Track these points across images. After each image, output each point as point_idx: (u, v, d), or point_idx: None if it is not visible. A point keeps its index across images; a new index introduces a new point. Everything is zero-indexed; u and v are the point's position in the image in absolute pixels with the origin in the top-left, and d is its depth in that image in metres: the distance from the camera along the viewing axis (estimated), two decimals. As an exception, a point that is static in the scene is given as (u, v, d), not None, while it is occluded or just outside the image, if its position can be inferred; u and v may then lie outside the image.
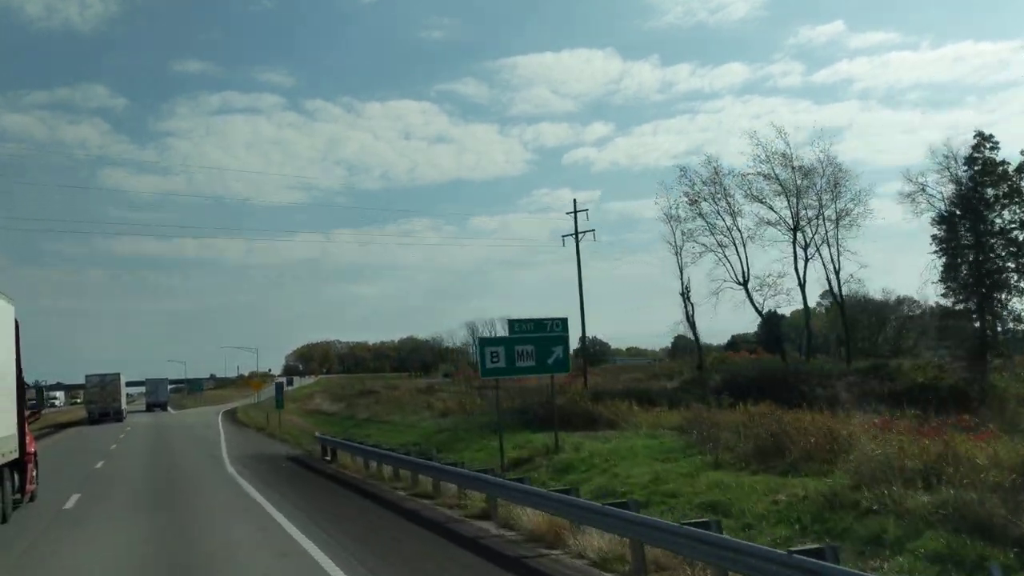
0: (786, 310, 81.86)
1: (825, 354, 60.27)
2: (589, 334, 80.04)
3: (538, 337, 24.09)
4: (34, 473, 19.04)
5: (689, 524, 8.23)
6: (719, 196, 47.40)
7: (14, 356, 17.45)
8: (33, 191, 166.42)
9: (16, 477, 17.17)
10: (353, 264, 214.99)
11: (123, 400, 72.92)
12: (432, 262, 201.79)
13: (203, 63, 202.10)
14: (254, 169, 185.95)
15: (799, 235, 45.44)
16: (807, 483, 16.35)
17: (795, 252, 46.02)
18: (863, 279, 46.79)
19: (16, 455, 16.97)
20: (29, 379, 20.40)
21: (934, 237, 38.11)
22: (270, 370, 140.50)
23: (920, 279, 42.40)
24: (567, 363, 25.05)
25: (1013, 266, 37.74)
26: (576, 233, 53.48)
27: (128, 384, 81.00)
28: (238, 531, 14.25)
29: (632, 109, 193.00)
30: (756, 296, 47.56)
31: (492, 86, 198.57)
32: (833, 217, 45.39)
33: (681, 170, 49.51)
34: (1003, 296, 37.74)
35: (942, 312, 39.01)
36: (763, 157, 46.31)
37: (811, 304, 58.14)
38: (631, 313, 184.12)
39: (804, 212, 45.53)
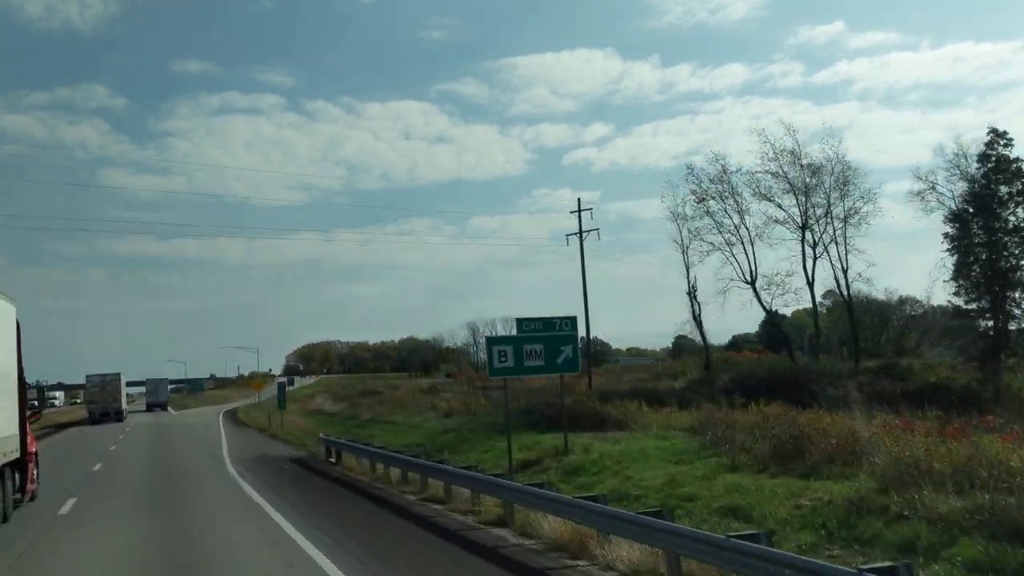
0: (787, 310, 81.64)
1: (827, 354, 59.70)
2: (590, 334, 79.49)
3: (547, 336, 23.55)
4: (35, 473, 19.08)
5: (736, 537, 7.51)
6: (726, 194, 46.91)
7: (15, 356, 17.51)
8: (33, 191, 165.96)
9: (17, 477, 17.22)
10: (353, 264, 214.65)
11: (123, 400, 72.80)
12: (432, 262, 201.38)
13: (203, 63, 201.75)
14: (254, 169, 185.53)
15: (808, 233, 44.97)
16: (830, 486, 15.84)
17: (803, 250, 45.61)
18: (871, 278, 46.24)
19: (17, 455, 17.01)
20: (30, 379, 20.38)
21: (946, 235, 37.62)
22: (270, 370, 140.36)
23: (929, 278, 42.01)
24: (577, 363, 24.51)
25: (1027, 264, 37.15)
26: (580, 232, 52.97)
27: (128, 384, 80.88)
28: (240, 534, 13.75)
29: (632, 109, 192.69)
30: (763, 295, 47.09)
31: (492, 86, 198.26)
32: (841, 215, 44.89)
33: (688, 168, 49.06)
34: (1016, 295, 37.11)
35: (954, 311, 38.45)
36: (771, 155, 45.80)
37: (809, 305, 57.70)
38: (631, 313, 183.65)
39: (812, 210, 45.03)
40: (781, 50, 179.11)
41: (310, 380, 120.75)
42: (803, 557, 7.78)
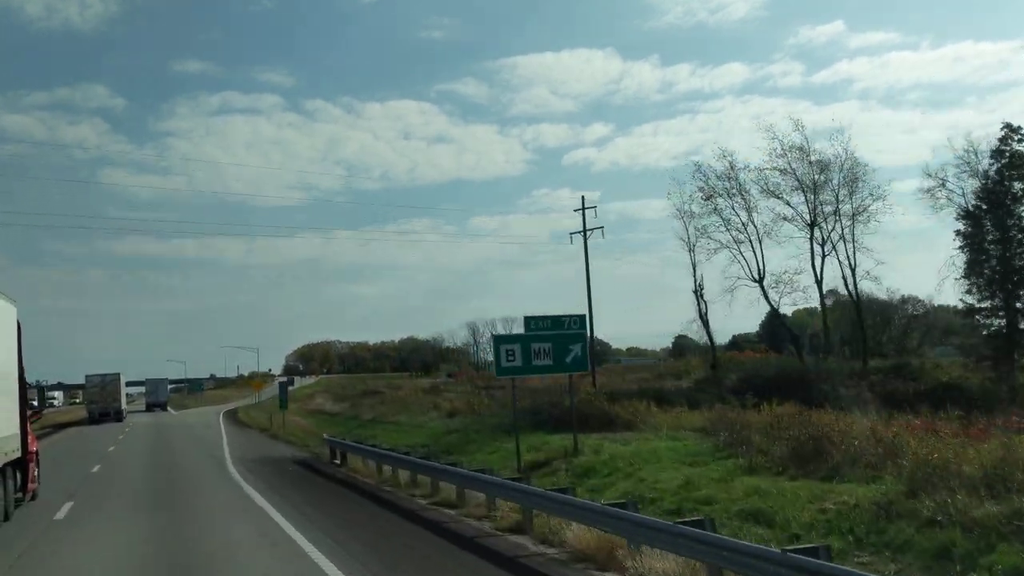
0: (789, 309, 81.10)
1: (829, 353, 59.21)
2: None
3: (555, 335, 23.10)
4: (36, 472, 19.17)
5: (795, 551, 6.81)
6: (734, 191, 46.30)
7: (16, 356, 17.59)
8: (33, 191, 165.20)
9: (18, 476, 17.34)
10: (353, 264, 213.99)
11: (123, 400, 72.62)
12: (432, 262, 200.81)
13: (203, 63, 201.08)
14: (254, 169, 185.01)
15: (816, 231, 44.36)
16: (854, 490, 15.32)
17: (812, 248, 44.95)
18: (879, 276, 45.56)
19: (19, 454, 17.09)
20: (30, 379, 20.37)
21: (958, 232, 37.05)
22: (270, 370, 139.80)
23: (938, 276, 41.33)
24: (586, 362, 24.05)
25: (1042, 262, 36.53)
26: (584, 230, 52.45)
27: (128, 384, 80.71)
28: (242, 537, 13.23)
29: (632, 109, 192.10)
30: (771, 294, 46.51)
31: (492, 86, 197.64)
32: (850, 213, 44.28)
33: (695, 164, 48.35)
34: (1031, 292, 36.52)
35: (966, 309, 37.87)
36: (779, 151, 45.19)
37: (815, 304, 57.18)
38: (631, 313, 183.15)
39: (821, 208, 44.43)
40: (781, 50, 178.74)
41: (310, 380, 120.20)
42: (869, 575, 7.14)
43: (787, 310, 71.93)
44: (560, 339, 23.06)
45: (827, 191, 44.21)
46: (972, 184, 39.40)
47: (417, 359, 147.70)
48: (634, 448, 23.94)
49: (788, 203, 45.44)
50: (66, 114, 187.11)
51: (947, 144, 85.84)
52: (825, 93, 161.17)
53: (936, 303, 65.19)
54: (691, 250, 48.31)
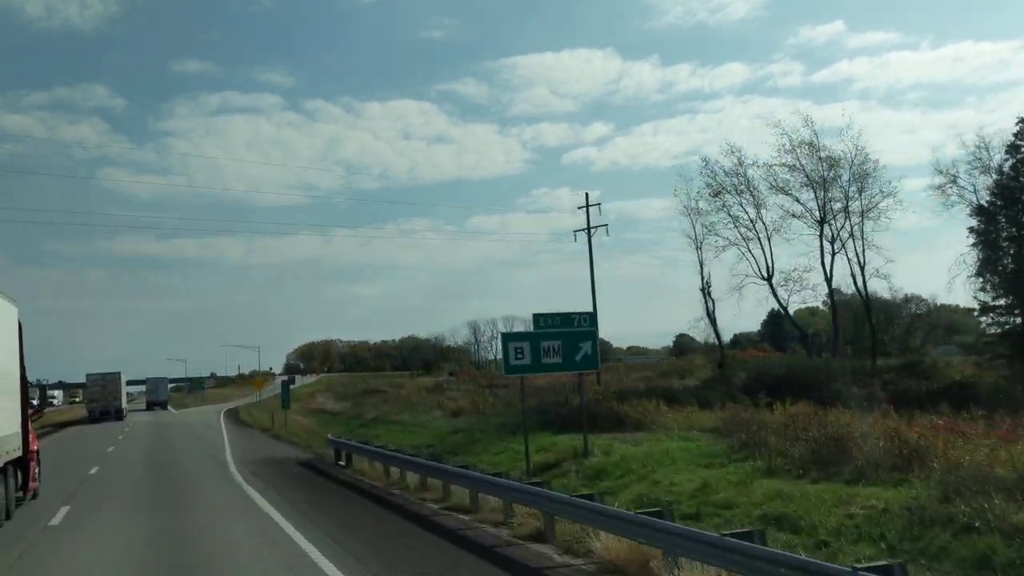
0: (792, 308, 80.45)
1: (836, 352, 58.70)
2: (594, 332, 78.24)
3: (565, 332, 22.55)
4: (37, 471, 19.23)
5: (866, 570, 6.16)
6: (742, 187, 45.75)
7: (17, 356, 17.69)
8: (33, 191, 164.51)
9: (19, 475, 17.39)
10: (353, 264, 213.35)
11: (123, 399, 72.68)
12: (432, 262, 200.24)
13: (203, 63, 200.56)
14: (254, 169, 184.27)
15: (826, 228, 43.75)
16: (881, 493, 14.78)
17: (822, 245, 44.36)
18: (889, 274, 44.93)
19: (20, 453, 17.12)
20: (31, 378, 20.48)
21: (971, 229, 36.43)
22: (271, 369, 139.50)
23: (948, 274, 40.77)
24: (596, 360, 23.45)
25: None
26: (588, 228, 51.94)
27: (128, 383, 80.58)
28: (247, 545, 12.64)
29: (632, 109, 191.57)
30: (780, 291, 45.97)
31: (492, 86, 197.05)
32: (859, 210, 43.66)
33: (703, 160, 47.80)
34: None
35: (981, 308, 37.27)
36: (788, 146, 44.59)
37: (817, 303, 56.61)
38: (631, 313, 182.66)
39: (830, 204, 43.84)
40: (781, 50, 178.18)
41: (311, 379, 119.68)
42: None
43: (791, 309, 71.42)
44: (570, 337, 22.52)
45: (836, 188, 43.71)
46: (984, 181, 38.95)
47: (418, 358, 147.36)
48: (646, 449, 23.39)
49: (797, 199, 44.95)
50: (66, 114, 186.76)
51: (946, 144, 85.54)
52: (825, 93, 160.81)
53: (939, 302, 64.80)
54: (698, 248, 47.84)
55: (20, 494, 17.65)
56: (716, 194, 46.10)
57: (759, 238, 45.98)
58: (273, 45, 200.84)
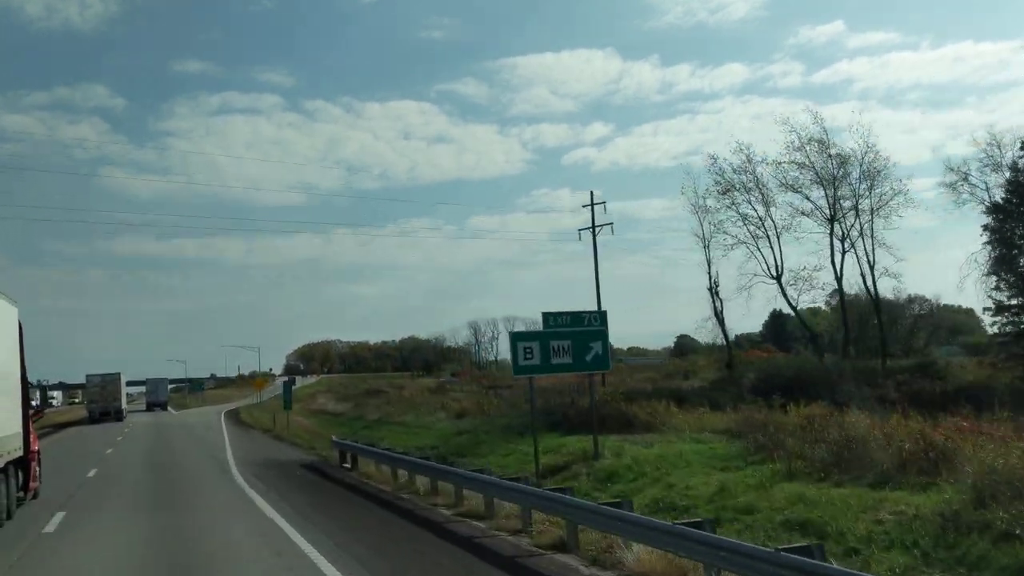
0: (796, 308, 79.84)
1: (833, 353, 58.23)
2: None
3: (575, 332, 22.03)
4: (37, 471, 19.28)
5: None
6: (751, 185, 45.23)
7: (18, 357, 17.76)
8: (33, 191, 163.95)
9: (20, 475, 17.43)
10: (353, 264, 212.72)
11: (123, 400, 72.27)
12: (432, 262, 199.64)
13: (203, 63, 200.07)
14: (254, 169, 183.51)
15: (836, 226, 43.19)
16: (909, 498, 14.24)
17: (832, 244, 43.90)
18: (900, 273, 44.29)
19: (20, 453, 17.18)
20: (31, 379, 20.32)
21: (985, 227, 35.91)
22: (271, 369, 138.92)
23: (959, 273, 40.21)
24: (608, 360, 22.93)
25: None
26: (593, 226, 51.43)
27: (128, 384, 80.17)
28: (246, 548, 12.13)
29: (632, 109, 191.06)
30: (789, 291, 45.47)
31: (492, 86, 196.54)
32: (867, 208, 43.12)
33: (711, 158, 47.26)
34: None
35: (996, 307, 36.66)
36: (797, 143, 44.04)
37: (820, 304, 56.14)
38: (631, 313, 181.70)
39: (840, 202, 43.28)
40: (781, 50, 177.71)
41: (311, 379, 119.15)
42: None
43: (798, 309, 70.85)
44: (580, 336, 22.00)
45: (846, 185, 43.16)
46: (995, 178, 38.48)
47: (418, 358, 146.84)
48: (658, 451, 22.86)
49: (807, 197, 44.42)
50: (66, 114, 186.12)
51: (946, 144, 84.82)
52: (825, 93, 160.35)
53: (943, 302, 64.34)
54: (706, 246, 47.35)
55: (21, 494, 17.67)
56: (725, 191, 45.62)
57: (768, 236, 45.55)
58: (273, 45, 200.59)
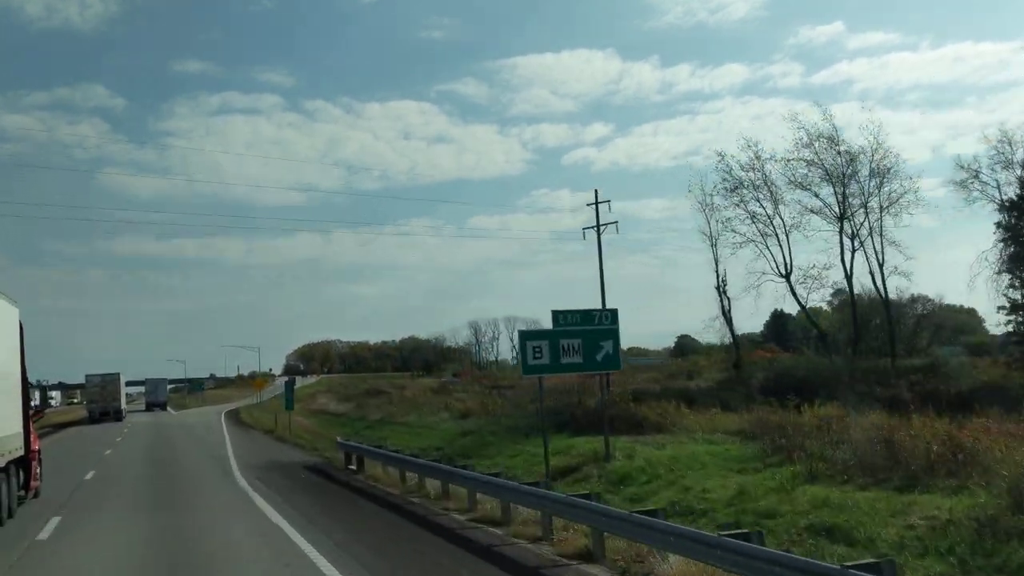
0: (792, 309, 79.45)
1: (835, 353, 57.69)
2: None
3: (586, 330, 21.52)
4: (38, 470, 19.37)
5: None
6: (759, 183, 44.67)
7: (18, 357, 17.86)
8: (33, 191, 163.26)
9: (21, 474, 17.53)
10: (353, 264, 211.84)
11: (123, 400, 71.88)
12: (432, 262, 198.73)
13: (203, 63, 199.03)
14: (254, 169, 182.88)
15: (846, 224, 42.63)
16: (940, 502, 13.76)
17: (842, 242, 43.27)
18: (910, 271, 43.60)
19: (21, 452, 17.30)
20: (31, 379, 20.25)
21: (999, 224, 35.37)
22: (271, 370, 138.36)
23: (970, 272, 39.65)
24: (619, 360, 22.42)
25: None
26: (598, 225, 50.88)
27: (128, 384, 79.80)
28: (251, 555, 11.59)
29: (632, 109, 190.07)
30: (799, 289, 44.96)
31: (492, 86, 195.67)
32: (877, 207, 42.55)
33: (719, 155, 46.71)
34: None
35: (1011, 306, 36.09)
36: (805, 140, 43.47)
37: (822, 304, 55.65)
38: (631, 313, 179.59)
39: (850, 200, 42.70)
40: (781, 50, 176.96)
41: (311, 379, 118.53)
42: None
43: (793, 309, 70.42)
44: (591, 335, 21.50)
45: (855, 183, 42.58)
46: (1006, 176, 37.98)
47: (419, 359, 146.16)
48: (671, 452, 22.39)
49: (817, 195, 43.85)
50: (66, 114, 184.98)
51: (946, 144, 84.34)
52: (825, 94, 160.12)
53: (946, 302, 63.83)
54: (713, 245, 46.83)
55: (22, 493, 17.78)
56: (734, 189, 45.07)
57: (777, 235, 45.01)
58: (273, 45, 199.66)
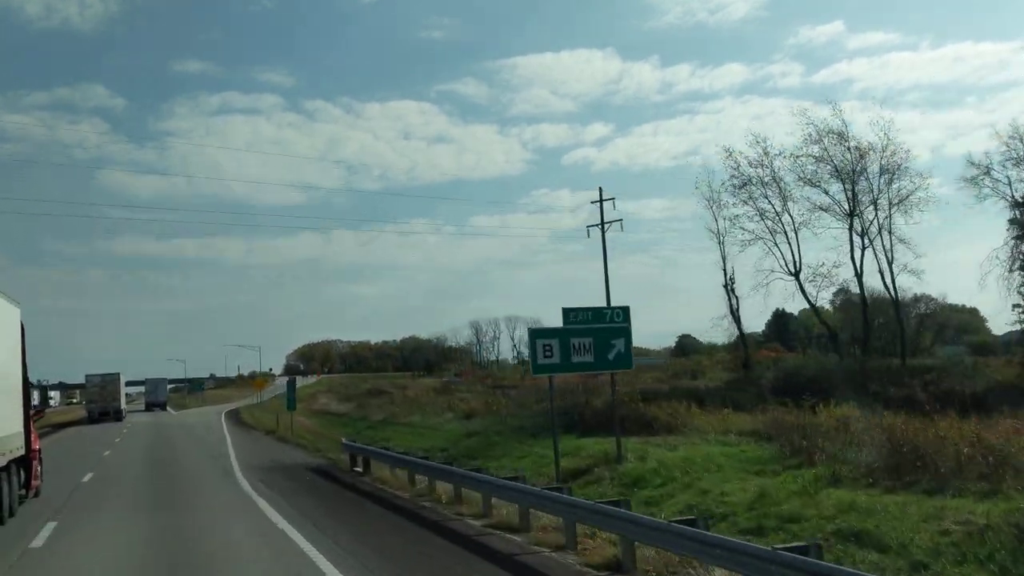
0: (794, 308, 79.08)
1: (841, 353, 57.20)
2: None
3: (597, 328, 21.02)
4: (39, 469, 19.45)
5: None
6: (768, 179, 44.12)
7: (19, 357, 17.92)
8: (33, 191, 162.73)
9: (22, 473, 17.61)
10: (353, 264, 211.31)
11: (123, 400, 71.54)
12: (432, 262, 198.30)
13: (203, 63, 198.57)
14: (254, 169, 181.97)
15: (856, 221, 42.06)
16: (974, 506, 13.22)
17: (851, 239, 42.72)
18: (922, 269, 43.02)
19: (22, 452, 17.39)
20: (31, 379, 20.31)
21: (1012, 221, 34.83)
22: (271, 369, 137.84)
23: (980, 270, 39.12)
24: (630, 359, 21.86)
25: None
26: (603, 223, 50.45)
27: (128, 384, 79.42)
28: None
29: (632, 109, 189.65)
30: (808, 287, 44.46)
31: (492, 86, 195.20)
32: (886, 204, 41.99)
33: (727, 151, 46.17)
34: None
35: (1027, 304, 35.66)
36: (815, 136, 42.91)
37: (824, 304, 55.07)
38: (631, 313, 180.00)
39: (859, 197, 42.14)
40: (781, 50, 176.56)
41: (311, 379, 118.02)
42: None
43: (795, 308, 69.99)
44: (602, 333, 21.02)
45: (864, 180, 42.03)
46: (1017, 173, 37.47)
47: (419, 358, 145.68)
48: (684, 454, 21.84)
49: (826, 191, 43.28)
50: (66, 114, 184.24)
51: (946, 144, 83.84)
52: (825, 93, 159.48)
53: (948, 300, 63.36)
54: (720, 242, 46.32)
55: (23, 492, 17.84)
56: (742, 185, 44.53)
57: (786, 232, 44.48)
58: (273, 45, 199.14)
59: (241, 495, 19.09)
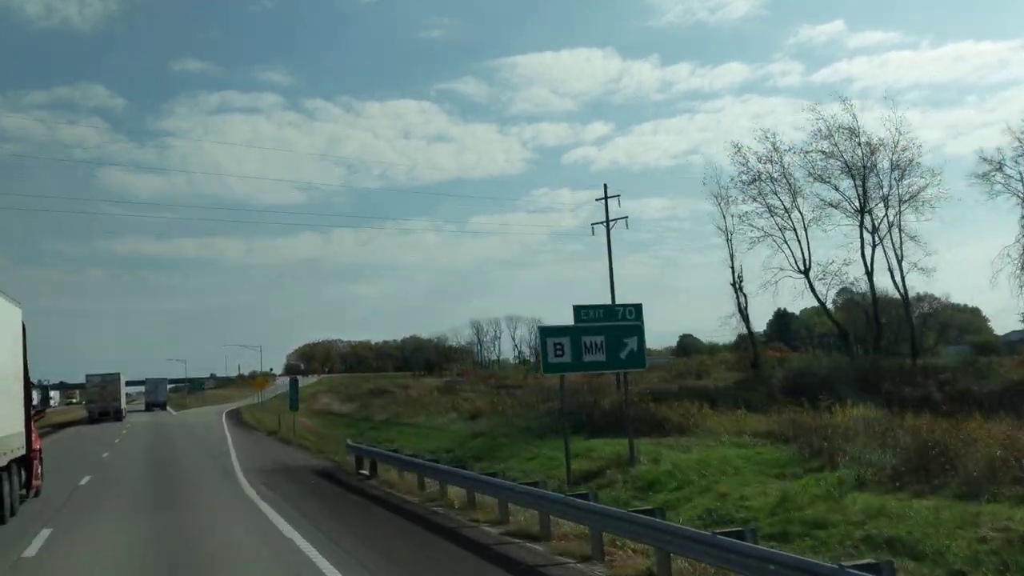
0: (796, 308, 78.67)
1: (846, 352, 56.69)
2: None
3: (609, 327, 20.53)
4: (39, 469, 19.51)
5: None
6: (777, 175, 43.50)
7: (20, 357, 17.96)
8: (33, 191, 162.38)
9: (23, 473, 17.65)
10: (353, 264, 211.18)
11: (123, 400, 71.24)
12: (432, 262, 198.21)
13: (202, 63, 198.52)
14: (254, 168, 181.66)
15: (866, 218, 41.46)
16: (1011, 512, 12.66)
17: (862, 236, 42.14)
18: (933, 267, 42.38)
19: (23, 451, 17.43)
20: (32, 379, 20.19)
21: (1024, 218, 34.36)
22: (271, 369, 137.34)
23: (992, 268, 38.57)
24: (643, 357, 21.34)
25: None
26: (607, 220, 49.85)
27: (128, 383, 79.02)
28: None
29: (632, 108, 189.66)
30: (818, 285, 43.93)
31: (492, 85, 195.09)
32: (896, 201, 41.39)
33: (735, 146, 45.55)
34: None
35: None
36: (824, 132, 42.27)
37: (826, 303, 54.56)
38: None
39: (870, 193, 41.53)
40: (781, 49, 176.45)
41: (312, 379, 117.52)
42: None
43: (799, 308, 69.48)
44: (614, 332, 20.53)
45: (874, 176, 41.42)
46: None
47: (420, 358, 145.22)
48: (698, 456, 21.25)
49: (836, 188, 42.65)
50: (66, 114, 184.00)
51: (946, 144, 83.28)
52: (825, 92, 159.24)
53: (951, 300, 62.95)
54: (729, 240, 45.76)
55: (24, 491, 17.86)
56: (751, 181, 43.91)
57: (795, 228, 43.88)
58: (273, 45, 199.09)
59: (243, 498, 18.50)
